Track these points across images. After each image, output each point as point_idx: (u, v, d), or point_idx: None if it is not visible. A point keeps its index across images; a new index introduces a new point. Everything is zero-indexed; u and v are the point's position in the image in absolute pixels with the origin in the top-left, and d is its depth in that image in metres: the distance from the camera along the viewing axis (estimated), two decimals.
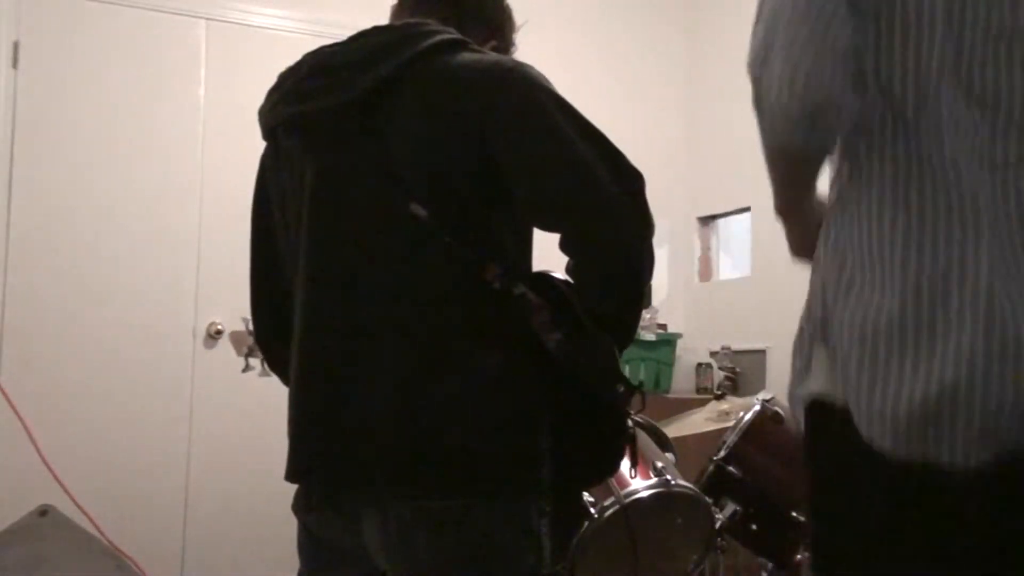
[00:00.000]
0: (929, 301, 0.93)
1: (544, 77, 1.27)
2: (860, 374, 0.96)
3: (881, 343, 0.95)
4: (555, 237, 1.27)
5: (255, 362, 1.52)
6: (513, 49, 1.51)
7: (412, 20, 1.35)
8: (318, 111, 1.29)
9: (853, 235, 1.00)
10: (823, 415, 1.02)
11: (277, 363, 1.44)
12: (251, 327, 1.54)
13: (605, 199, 1.21)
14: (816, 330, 1.03)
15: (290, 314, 1.35)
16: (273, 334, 1.44)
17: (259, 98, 1.41)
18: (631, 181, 1.23)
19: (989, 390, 0.91)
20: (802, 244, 1.17)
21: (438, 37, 1.28)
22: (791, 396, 1.10)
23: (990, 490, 0.93)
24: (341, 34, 1.37)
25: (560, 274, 1.30)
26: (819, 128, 0.97)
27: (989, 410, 0.91)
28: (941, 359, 0.92)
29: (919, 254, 0.95)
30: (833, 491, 1.04)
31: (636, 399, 1.30)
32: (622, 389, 1.26)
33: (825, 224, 1.07)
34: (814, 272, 1.08)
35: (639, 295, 1.30)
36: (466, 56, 1.27)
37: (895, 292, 0.95)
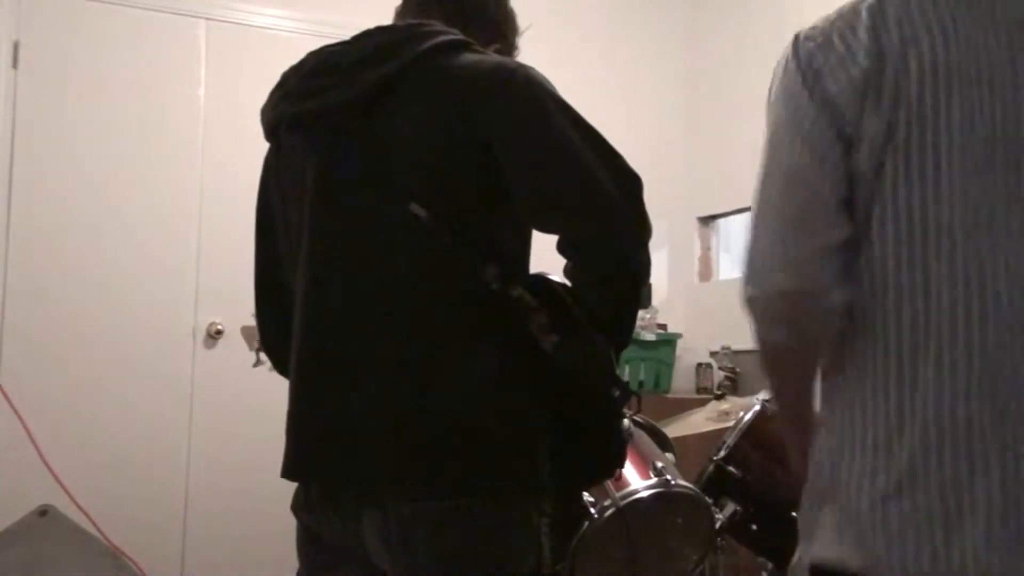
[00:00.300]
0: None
1: (546, 79, 1.27)
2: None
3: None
4: (555, 238, 1.27)
5: (266, 357, 1.53)
6: (516, 52, 1.51)
7: (415, 20, 1.35)
8: (320, 110, 1.29)
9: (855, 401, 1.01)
10: None
11: (282, 361, 1.44)
12: (257, 314, 1.54)
13: (604, 202, 1.21)
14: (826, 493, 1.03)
15: (292, 312, 1.35)
16: (277, 332, 1.44)
17: (259, 98, 1.41)
18: (630, 184, 1.23)
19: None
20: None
21: (441, 38, 1.28)
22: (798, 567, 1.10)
23: None
24: (341, 34, 1.37)
25: (558, 276, 1.30)
26: (806, 324, 1.01)
27: None
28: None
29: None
30: None
31: (632, 401, 1.30)
32: (618, 393, 1.26)
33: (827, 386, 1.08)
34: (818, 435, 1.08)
35: (636, 298, 1.30)
36: (468, 57, 1.27)
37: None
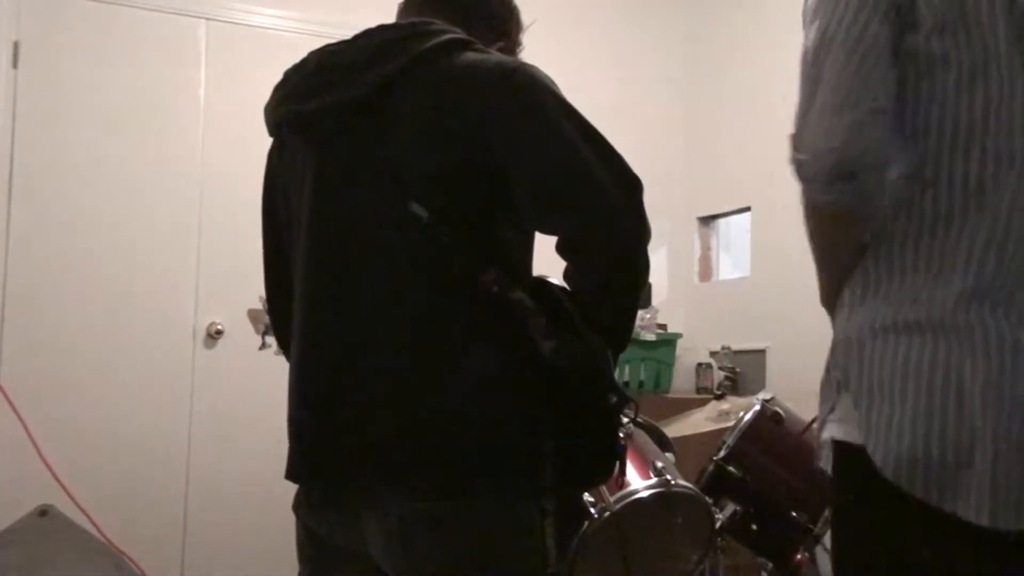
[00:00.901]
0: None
1: (548, 78, 1.26)
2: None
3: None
4: (555, 240, 1.27)
5: (272, 340, 1.53)
6: (520, 50, 1.51)
7: (418, 19, 1.35)
8: (321, 108, 1.29)
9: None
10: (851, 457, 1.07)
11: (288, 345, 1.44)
12: (268, 305, 1.54)
13: (604, 203, 1.20)
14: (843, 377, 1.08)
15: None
16: (288, 320, 1.43)
17: (259, 98, 1.41)
18: (630, 186, 1.23)
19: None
20: None
21: (443, 37, 1.27)
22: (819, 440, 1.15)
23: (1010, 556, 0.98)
24: (341, 34, 1.37)
25: (558, 280, 1.30)
26: (860, 185, 1.01)
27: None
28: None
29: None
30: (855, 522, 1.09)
31: (631, 406, 1.30)
32: (614, 400, 1.26)
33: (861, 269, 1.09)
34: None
35: (634, 300, 1.30)
36: (470, 56, 1.27)
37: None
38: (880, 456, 1.01)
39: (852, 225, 1.06)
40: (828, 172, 1.01)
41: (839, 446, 1.09)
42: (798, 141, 1.04)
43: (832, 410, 1.10)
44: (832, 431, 1.10)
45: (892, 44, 1.01)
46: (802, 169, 1.04)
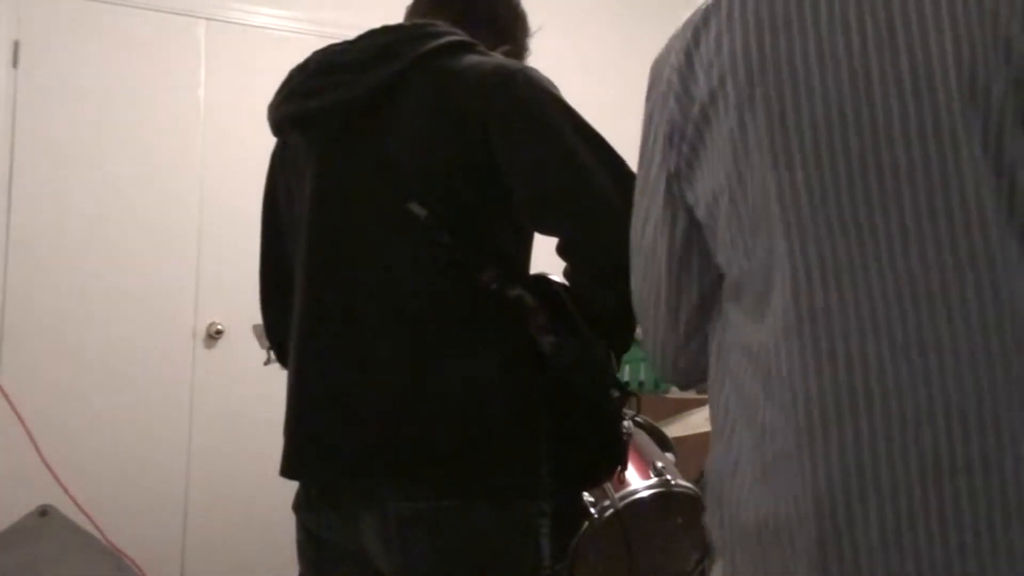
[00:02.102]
0: None
1: (549, 81, 1.27)
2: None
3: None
4: (555, 239, 1.27)
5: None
6: (527, 54, 1.51)
7: (421, 21, 1.35)
8: (323, 108, 1.29)
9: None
10: None
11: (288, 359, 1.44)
12: (263, 310, 1.54)
13: (603, 205, 1.21)
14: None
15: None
16: (284, 330, 1.44)
17: (259, 98, 1.41)
18: (630, 187, 1.23)
19: None
20: None
21: (445, 38, 1.28)
22: None
23: None
24: (341, 34, 1.37)
25: (558, 277, 1.30)
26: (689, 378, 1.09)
27: None
28: None
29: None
30: None
31: (632, 401, 1.31)
32: (616, 394, 1.26)
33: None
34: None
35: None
36: (471, 58, 1.27)
37: None
38: None
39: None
40: (664, 373, 1.10)
41: None
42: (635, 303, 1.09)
43: None
44: None
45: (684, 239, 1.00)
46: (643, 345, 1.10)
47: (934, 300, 0.81)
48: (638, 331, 1.16)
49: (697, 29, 0.95)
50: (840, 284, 0.84)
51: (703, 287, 1.01)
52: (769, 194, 0.88)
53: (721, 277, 0.99)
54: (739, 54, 0.90)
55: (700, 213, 0.97)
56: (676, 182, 0.99)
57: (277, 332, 1.49)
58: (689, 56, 0.96)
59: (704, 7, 0.96)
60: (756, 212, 0.90)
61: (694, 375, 1.08)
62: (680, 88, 0.96)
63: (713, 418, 1.02)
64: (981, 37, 0.80)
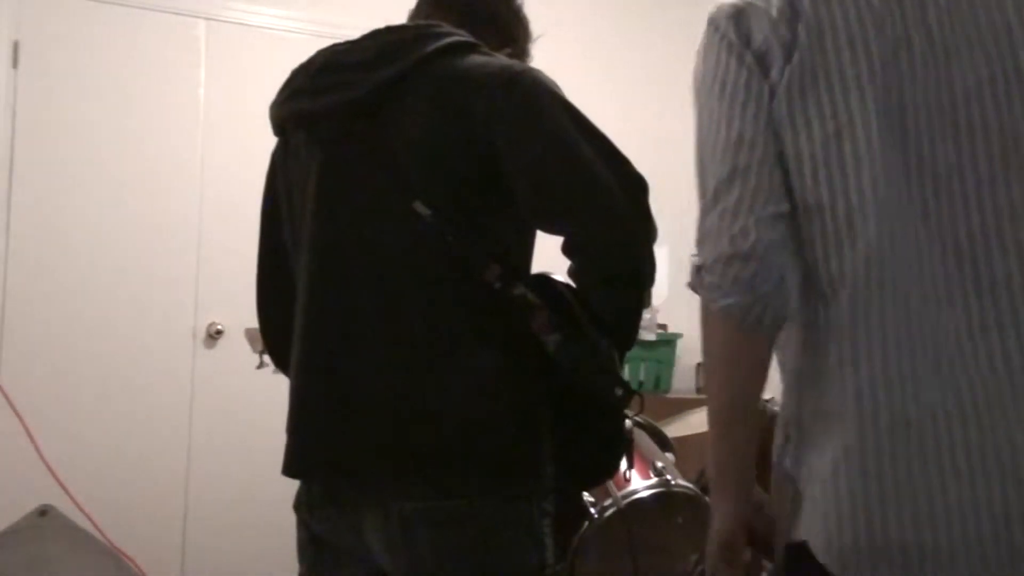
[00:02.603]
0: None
1: (552, 81, 1.27)
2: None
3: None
4: (558, 239, 1.27)
5: (269, 359, 1.53)
6: (528, 59, 1.51)
7: (424, 22, 1.35)
8: (326, 108, 1.29)
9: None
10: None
11: (283, 359, 1.44)
12: (259, 311, 1.54)
13: (608, 205, 1.21)
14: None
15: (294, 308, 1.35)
16: (279, 329, 1.44)
17: (259, 98, 1.41)
18: (635, 188, 1.23)
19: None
20: (735, 522, 1.12)
21: (448, 39, 1.28)
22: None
23: None
24: (341, 34, 1.37)
25: (561, 276, 1.30)
26: (760, 285, 0.98)
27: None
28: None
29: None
30: None
31: (635, 401, 1.30)
32: (620, 393, 1.26)
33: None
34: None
35: (640, 300, 1.30)
36: (475, 58, 1.27)
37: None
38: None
39: (753, 331, 1.01)
40: (730, 268, 0.99)
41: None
42: (699, 239, 1.04)
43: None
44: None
45: (773, 143, 1.00)
46: (702, 273, 1.02)
47: None
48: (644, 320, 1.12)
49: None
50: None
51: None
52: None
53: None
54: None
55: None
56: None
57: (272, 330, 1.49)
58: None
59: None
60: None
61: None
62: None
63: None
64: None
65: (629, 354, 1.33)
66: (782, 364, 1.10)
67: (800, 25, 0.99)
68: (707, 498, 1.15)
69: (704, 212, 1.03)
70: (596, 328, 1.25)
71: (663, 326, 3.88)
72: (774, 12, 1.00)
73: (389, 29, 1.32)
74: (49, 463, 3.10)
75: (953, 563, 0.92)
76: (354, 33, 1.34)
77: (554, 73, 1.31)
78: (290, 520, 1.39)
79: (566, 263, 1.29)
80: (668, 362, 3.82)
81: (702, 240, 1.02)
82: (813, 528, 0.99)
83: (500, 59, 1.29)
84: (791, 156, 0.99)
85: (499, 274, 1.22)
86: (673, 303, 4.13)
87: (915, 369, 0.95)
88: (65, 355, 3.24)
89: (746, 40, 1.01)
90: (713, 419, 1.09)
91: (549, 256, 1.36)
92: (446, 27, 1.31)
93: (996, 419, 0.94)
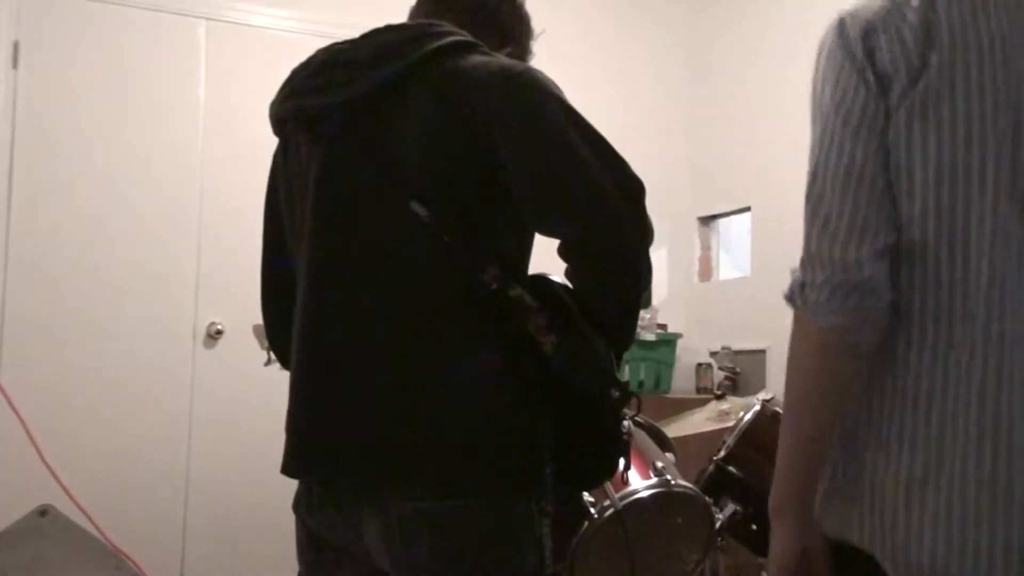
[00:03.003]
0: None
1: (552, 82, 1.26)
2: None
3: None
4: (556, 240, 1.27)
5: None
6: (530, 56, 1.51)
7: (425, 21, 1.35)
8: (325, 107, 1.29)
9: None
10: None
11: (286, 356, 1.44)
12: (263, 310, 1.54)
13: (604, 207, 1.20)
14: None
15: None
16: (282, 327, 1.44)
17: (259, 98, 1.41)
18: (632, 190, 1.23)
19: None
20: (794, 550, 1.10)
21: (448, 39, 1.27)
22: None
23: None
24: (342, 34, 1.37)
25: (559, 277, 1.30)
26: (864, 309, 0.99)
27: None
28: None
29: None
30: None
31: (632, 402, 1.30)
32: (617, 394, 1.26)
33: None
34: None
35: (636, 302, 1.30)
36: (475, 58, 1.27)
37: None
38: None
39: (849, 355, 1.02)
40: (839, 291, 0.99)
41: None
42: (806, 259, 1.03)
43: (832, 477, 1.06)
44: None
45: (884, 164, 1.00)
46: (806, 291, 1.02)
47: None
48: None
49: None
50: None
51: None
52: None
53: None
54: None
55: None
56: None
57: (276, 328, 1.49)
58: None
59: None
60: None
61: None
62: None
63: None
64: None
65: (629, 354, 1.33)
66: None
67: (933, 55, 0.98)
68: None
69: (815, 234, 1.02)
70: (593, 329, 1.25)
71: (663, 326, 3.88)
72: (907, 33, 0.99)
73: (388, 28, 1.32)
74: (49, 463, 3.10)
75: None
76: (354, 33, 1.34)
77: (554, 71, 1.30)
78: (290, 520, 1.38)
79: (563, 264, 1.29)
80: (668, 362, 3.82)
81: (812, 261, 1.02)
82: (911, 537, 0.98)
83: (499, 59, 1.29)
84: (903, 181, 0.99)
85: (496, 275, 1.22)
86: (673, 303, 4.14)
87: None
88: (65, 355, 3.24)
89: (871, 57, 1.00)
90: (792, 433, 1.08)
91: (548, 256, 1.36)
92: (446, 26, 1.31)
93: None
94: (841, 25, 1.03)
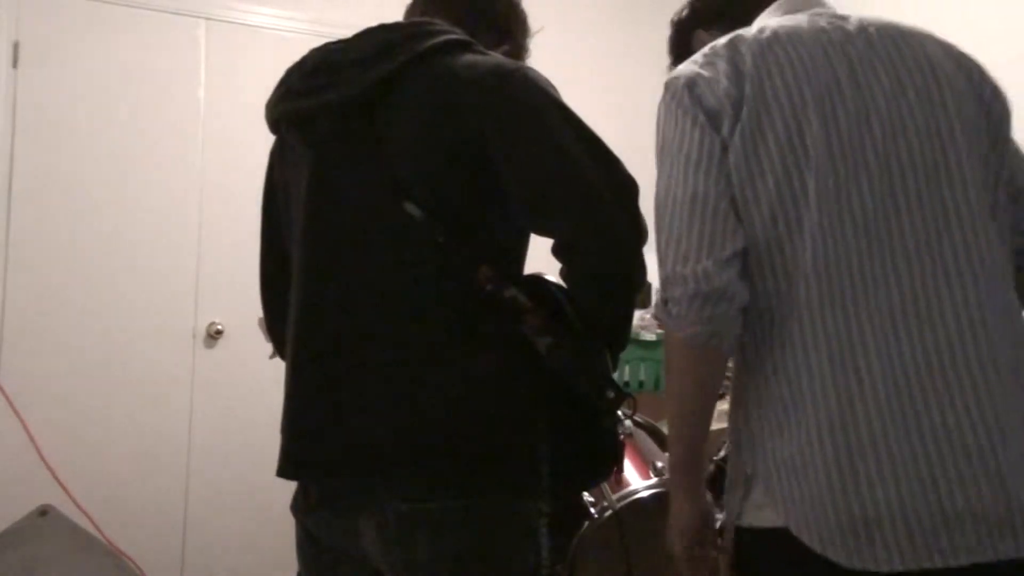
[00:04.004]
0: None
1: (547, 81, 1.26)
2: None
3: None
4: (551, 240, 1.26)
5: None
6: (526, 55, 1.51)
7: (419, 19, 1.35)
8: (319, 107, 1.29)
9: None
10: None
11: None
12: (263, 310, 1.54)
13: (598, 206, 1.20)
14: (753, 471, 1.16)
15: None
16: (283, 324, 1.44)
17: (259, 98, 1.41)
18: (625, 190, 1.23)
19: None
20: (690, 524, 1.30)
21: (442, 37, 1.27)
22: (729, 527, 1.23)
23: None
24: (341, 34, 1.37)
25: (554, 277, 1.30)
26: (722, 314, 1.12)
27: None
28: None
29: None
30: None
31: (628, 402, 1.30)
32: (612, 395, 1.25)
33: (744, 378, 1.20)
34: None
35: (630, 302, 1.29)
36: (469, 57, 1.26)
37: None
38: (805, 532, 1.08)
39: (711, 356, 1.16)
40: (695, 303, 1.12)
41: (753, 533, 1.16)
42: (665, 279, 1.15)
43: (746, 496, 1.18)
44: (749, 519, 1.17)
45: (725, 190, 1.14)
46: (669, 306, 1.15)
47: None
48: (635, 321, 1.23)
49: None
50: None
51: None
52: None
53: None
54: None
55: None
56: None
57: (278, 330, 1.49)
58: None
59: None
60: None
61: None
62: None
63: None
64: None
65: (629, 354, 1.34)
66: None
67: (746, 83, 1.14)
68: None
69: (670, 256, 1.15)
70: (587, 330, 1.24)
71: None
72: (722, 76, 1.16)
73: (383, 27, 1.31)
74: (49, 463, 3.11)
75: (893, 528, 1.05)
76: (354, 32, 1.34)
77: (550, 69, 1.30)
78: (289, 520, 1.39)
79: (559, 264, 1.29)
80: None
81: (670, 280, 1.14)
82: (793, 510, 1.10)
83: (494, 57, 1.29)
84: (750, 199, 1.13)
85: (490, 276, 1.21)
86: None
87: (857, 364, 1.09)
88: (65, 355, 3.24)
89: (699, 102, 1.16)
90: (676, 424, 1.25)
91: (544, 256, 1.36)
92: (441, 25, 1.31)
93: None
94: (669, 86, 1.21)
